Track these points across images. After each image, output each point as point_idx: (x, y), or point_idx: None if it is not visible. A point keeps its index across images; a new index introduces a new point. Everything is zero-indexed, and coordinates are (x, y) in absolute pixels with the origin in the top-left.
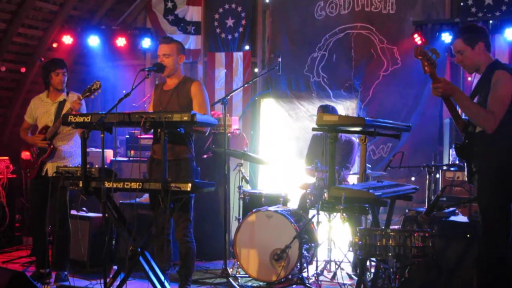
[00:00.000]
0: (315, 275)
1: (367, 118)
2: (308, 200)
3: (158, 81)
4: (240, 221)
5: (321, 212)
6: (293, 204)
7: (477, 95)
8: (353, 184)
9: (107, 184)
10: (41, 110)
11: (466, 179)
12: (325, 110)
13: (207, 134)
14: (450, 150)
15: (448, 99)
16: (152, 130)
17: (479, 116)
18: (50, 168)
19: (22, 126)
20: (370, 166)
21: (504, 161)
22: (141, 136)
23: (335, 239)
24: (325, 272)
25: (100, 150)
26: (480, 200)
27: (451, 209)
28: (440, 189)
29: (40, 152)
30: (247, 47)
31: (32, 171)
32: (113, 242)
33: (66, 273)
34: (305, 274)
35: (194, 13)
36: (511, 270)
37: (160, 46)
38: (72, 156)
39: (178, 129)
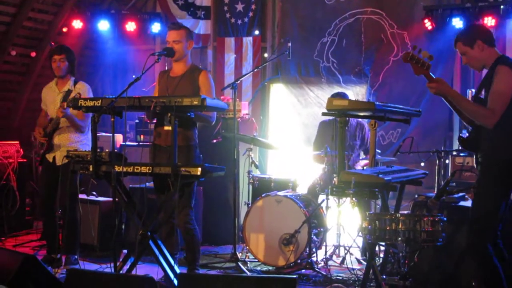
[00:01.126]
0: (324, 260)
1: (377, 103)
2: (317, 185)
3: (168, 66)
4: (249, 206)
5: (330, 197)
6: (302, 189)
7: (483, 90)
8: (363, 169)
9: (117, 168)
10: (49, 99)
11: (475, 164)
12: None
13: (213, 123)
14: (460, 136)
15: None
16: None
17: (478, 114)
18: (58, 156)
19: (41, 113)
20: (379, 151)
21: (507, 154)
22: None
23: (344, 224)
24: (334, 257)
25: (110, 134)
26: (477, 188)
27: (460, 194)
28: (449, 174)
29: (41, 143)
30: (256, 32)
31: (38, 160)
32: (123, 226)
33: (76, 257)
34: (314, 259)
35: None
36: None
37: (169, 32)
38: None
39: (188, 114)
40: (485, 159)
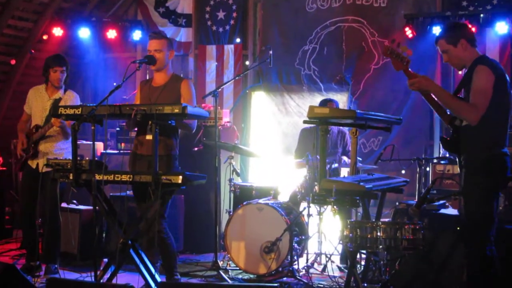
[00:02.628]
0: (305, 267)
1: (358, 111)
2: (298, 193)
3: (149, 74)
4: (231, 213)
5: (311, 205)
6: (283, 197)
7: (463, 89)
8: (344, 177)
9: (97, 177)
10: (38, 103)
11: (456, 171)
12: (325, 104)
13: (193, 131)
14: (441, 143)
15: (428, 94)
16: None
17: (461, 109)
18: (41, 163)
19: (21, 118)
20: (360, 159)
21: (490, 154)
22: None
23: (326, 232)
24: (316, 265)
25: (90, 142)
26: (465, 192)
27: (441, 201)
28: (430, 181)
29: (25, 150)
30: (238, 40)
31: (17, 165)
32: (104, 234)
33: (56, 266)
34: (295, 267)
35: (185, 6)
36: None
37: (150, 41)
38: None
39: (169, 121)
40: (467, 158)
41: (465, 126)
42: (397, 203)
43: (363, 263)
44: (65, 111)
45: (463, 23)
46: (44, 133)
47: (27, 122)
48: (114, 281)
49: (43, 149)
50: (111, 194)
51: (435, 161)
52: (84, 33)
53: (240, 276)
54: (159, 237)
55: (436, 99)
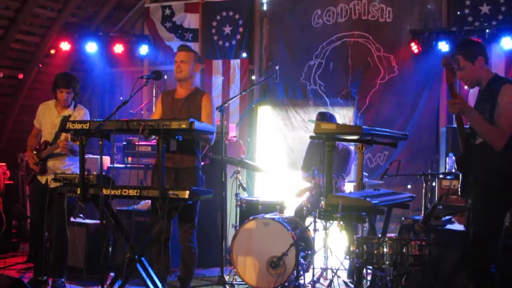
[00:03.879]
0: (311, 282)
1: (365, 127)
2: (304, 208)
3: (156, 89)
4: (237, 228)
5: (317, 219)
6: (289, 212)
7: (480, 107)
8: (350, 192)
9: (105, 191)
10: (47, 119)
11: (460, 187)
12: (323, 117)
13: (212, 142)
14: (447, 159)
15: (461, 115)
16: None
17: (491, 134)
18: (50, 179)
19: (32, 132)
20: (366, 174)
21: (505, 174)
22: (139, 143)
23: (332, 246)
24: (322, 280)
25: (97, 156)
26: (475, 207)
27: (447, 217)
28: (436, 197)
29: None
30: (244, 55)
31: (27, 179)
32: (110, 249)
33: (63, 280)
34: (301, 282)
35: (191, 20)
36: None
37: (179, 52)
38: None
39: (176, 137)
40: (480, 177)
41: (479, 144)
42: (403, 218)
43: (369, 278)
44: (73, 126)
45: (479, 41)
46: (52, 151)
47: (37, 136)
48: None
49: (52, 166)
50: (118, 208)
51: (441, 176)
52: (91, 47)
53: None
54: (187, 246)
55: (468, 120)
